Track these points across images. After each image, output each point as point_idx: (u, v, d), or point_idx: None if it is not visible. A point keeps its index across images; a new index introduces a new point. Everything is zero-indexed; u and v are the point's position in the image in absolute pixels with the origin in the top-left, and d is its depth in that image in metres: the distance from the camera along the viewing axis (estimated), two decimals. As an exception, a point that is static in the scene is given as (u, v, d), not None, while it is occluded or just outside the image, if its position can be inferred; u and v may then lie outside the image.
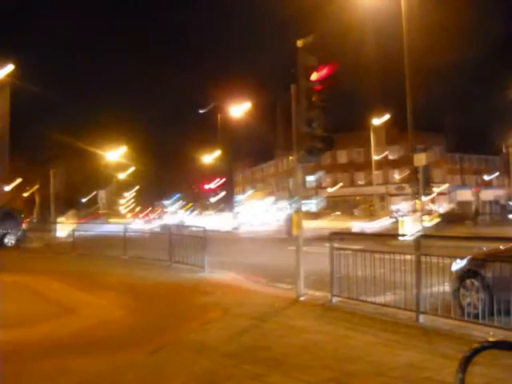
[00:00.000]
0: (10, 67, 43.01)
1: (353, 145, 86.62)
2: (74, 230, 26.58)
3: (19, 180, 67.64)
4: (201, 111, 67.66)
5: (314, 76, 11.79)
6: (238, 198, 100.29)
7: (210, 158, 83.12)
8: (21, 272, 17.11)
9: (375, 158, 79.23)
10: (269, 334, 8.95)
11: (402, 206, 73.18)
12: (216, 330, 9.37)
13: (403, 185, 75.23)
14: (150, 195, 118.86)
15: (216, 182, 74.64)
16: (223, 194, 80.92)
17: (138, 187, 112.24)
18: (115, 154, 76.78)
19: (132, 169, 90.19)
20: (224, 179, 73.70)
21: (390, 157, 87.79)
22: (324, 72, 11.79)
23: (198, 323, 9.86)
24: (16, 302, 12.03)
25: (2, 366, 7.19)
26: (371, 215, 66.58)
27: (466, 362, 3.57)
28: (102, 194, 55.70)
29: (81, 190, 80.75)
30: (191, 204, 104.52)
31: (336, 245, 11.62)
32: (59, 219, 38.08)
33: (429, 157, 31.85)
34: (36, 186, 74.37)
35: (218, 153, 71.85)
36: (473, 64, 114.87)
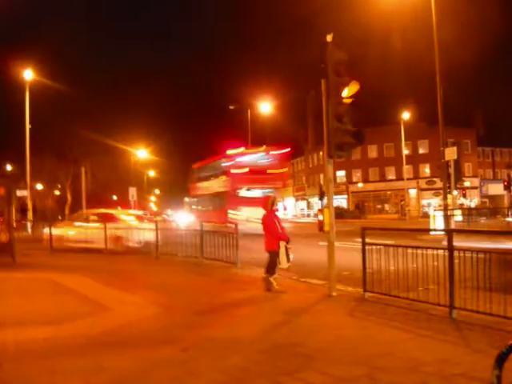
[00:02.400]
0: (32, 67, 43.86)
1: (383, 139, 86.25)
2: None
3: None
4: (230, 106, 67.70)
5: (345, 93, 11.78)
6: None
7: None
8: (53, 269, 17.30)
9: (405, 152, 78.89)
10: (301, 330, 8.95)
11: (432, 200, 72.77)
12: (248, 326, 9.39)
13: (434, 179, 74.65)
14: (179, 192, 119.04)
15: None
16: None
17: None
18: (145, 152, 77.28)
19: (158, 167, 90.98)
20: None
21: (421, 151, 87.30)
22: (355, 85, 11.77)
23: (231, 319, 9.89)
24: (49, 300, 12.18)
25: (37, 363, 7.30)
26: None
27: (502, 359, 3.54)
28: (132, 192, 55.75)
29: (111, 187, 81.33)
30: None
31: (368, 240, 11.58)
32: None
33: (460, 151, 31.52)
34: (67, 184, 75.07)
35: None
36: (504, 56, 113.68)
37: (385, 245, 11.25)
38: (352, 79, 11.86)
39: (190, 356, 7.56)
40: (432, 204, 74.38)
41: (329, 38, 11.82)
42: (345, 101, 11.87)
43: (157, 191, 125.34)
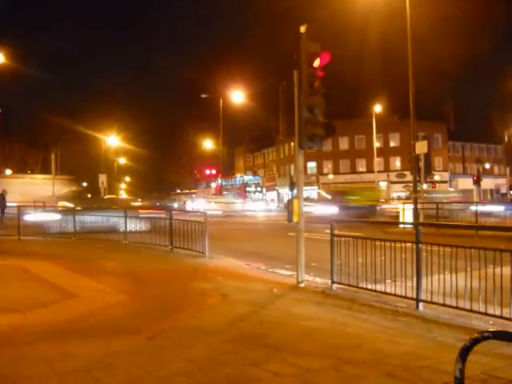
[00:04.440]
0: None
1: (354, 131, 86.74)
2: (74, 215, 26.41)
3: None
4: (202, 95, 67.62)
5: (317, 62, 11.76)
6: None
7: (211, 143, 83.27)
8: (21, 256, 17.14)
9: (377, 144, 79.34)
10: (268, 321, 8.94)
11: (402, 193, 73.20)
12: (215, 315, 9.36)
13: (404, 172, 75.23)
14: (150, 180, 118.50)
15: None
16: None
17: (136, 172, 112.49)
18: (115, 139, 76.81)
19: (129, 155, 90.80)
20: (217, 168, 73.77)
21: (392, 144, 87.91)
22: (326, 58, 11.77)
23: (197, 309, 9.86)
24: (16, 287, 12.06)
25: (2, 350, 7.23)
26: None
27: (465, 352, 3.57)
28: (102, 179, 55.52)
29: (81, 174, 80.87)
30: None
31: (336, 231, 11.62)
32: (60, 203, 37.88)
33: (430, 145, 31.72)
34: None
35: (219, 138, 71.72)
36: (475, 52, 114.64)
37: (353, 237, 11.31)
38: (324, 70, 11.87)
39: (156, 345, 7.53)
40: (402, 197, 74.86)
41: (302, 28, 11.80)
42: (316, 73, 11.84)
43: (127, 179, 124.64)
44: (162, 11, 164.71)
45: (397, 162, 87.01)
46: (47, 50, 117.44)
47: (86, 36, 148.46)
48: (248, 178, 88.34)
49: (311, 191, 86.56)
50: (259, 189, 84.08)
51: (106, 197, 48.25)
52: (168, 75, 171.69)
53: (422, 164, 30.10)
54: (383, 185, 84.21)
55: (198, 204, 58.17)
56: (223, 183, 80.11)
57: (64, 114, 66.19)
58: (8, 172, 70.18)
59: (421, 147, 30.17)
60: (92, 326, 8.66)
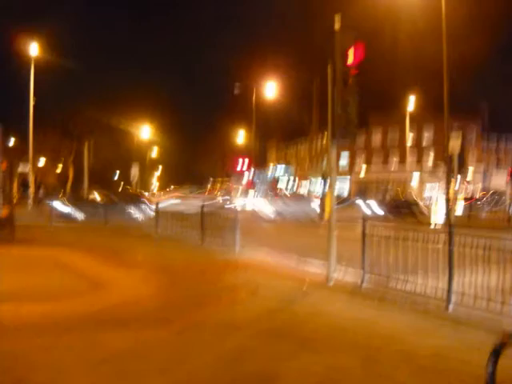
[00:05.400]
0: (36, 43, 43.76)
1: (388, 124, 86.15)
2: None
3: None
4: (236, 87, 67.49)
5: (350, 60, 11.69)
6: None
7: (243, 136, 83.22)
8: (54, 246, 17.34)
9: (410, 138, 78.73)
10: (297, 318, 8.95)
11: (436, 184, 72.48)
12: (243, 311, 9.40)
13: (438, 162, 74.42)
14: (182, 171, 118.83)
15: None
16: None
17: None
18: (147, 132, 77.09)
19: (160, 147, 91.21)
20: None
21: (425, 137, 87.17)
22: (360, 55, 11.70)
23: (225, 304, 9.91)
24: (47, 277, 12.21)
25: (33, 339, 7.35)
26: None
27: (496, 354, 3.54)
28: (135, 170, 55.83)
29: (114, 164, 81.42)
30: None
31: (367, 230, 11.55)
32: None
33: (464, 140, 31.33)
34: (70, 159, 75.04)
35: (251, 131, 71.62)
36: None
37: (385, 236, 11.21)
38: (357, 67, 11.81)
39: (185, 338, 7.61)
40: (435, 188, 73.99)
41: (337, 24, 11.73)
42: (351, 69, 11.78)
43: (160, 169, 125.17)
44: (196, 5, 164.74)
45: (430, 156, 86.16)
46: (82, 41, 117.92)
47: (121, 29, 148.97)
48: (280, 167, 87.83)
49: (343, 186, 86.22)
50: (291, 180, 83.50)
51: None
52: (201, 68, 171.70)
53: (455, 163, 29.67)
54: (416, 175, 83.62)
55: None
56: (255, 179, 79.87)
57: (97, 106, 66.53)
58: (41, 163, 70.85)
59: (454, 146, 29.77)
60: (122, 318, 8.76)
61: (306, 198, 44.87)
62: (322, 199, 34.99)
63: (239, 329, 8.13)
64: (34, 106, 44.65)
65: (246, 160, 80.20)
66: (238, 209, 19.12)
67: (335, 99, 11.75)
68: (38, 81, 45.08)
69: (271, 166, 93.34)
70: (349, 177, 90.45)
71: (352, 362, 6.64)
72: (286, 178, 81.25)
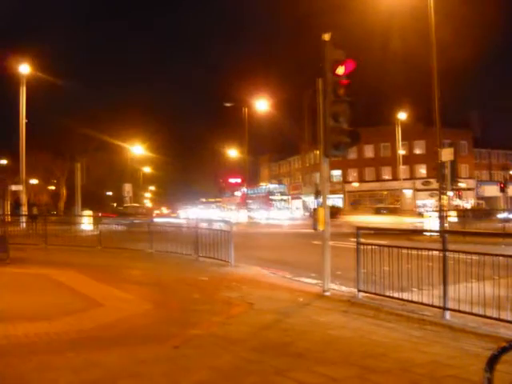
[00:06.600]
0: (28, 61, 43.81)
1: (379, 139, 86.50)
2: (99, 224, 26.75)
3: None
4: (226, 104, 67.75)
5: (341, 70, 11.75)
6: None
7: (235, 152, 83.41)
8: (47, 265, 17.26)
9: (401, 152, 79.07)
10: (293, 330, 8.92)
11: (428, 201, 72.86)
12: (240, 324, 9.36)
13: (430, 180, 74.76)
14: (175, 189, 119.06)
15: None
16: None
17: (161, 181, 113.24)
18: (140, 148, 77.23)
19: (153, 164, 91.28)
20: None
21: (417, 151, 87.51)
22: (350, 66, 11.76)
23: (222, 318, 9.86)
24: (42, 295, 12.14)
25: (28, 358, 7.27)
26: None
27: (493, 361, 3.52)
28: (127, 188, 55.93)
29: (106, 183, 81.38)
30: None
31: (362, 239, 11.56)
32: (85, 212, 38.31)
33: (456, 152, 31.50)
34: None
35: (243, 147, 71.83)
36: (501, 58, 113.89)
37: (379, 245, 11.23)
38: (348, 78, 11.87)
39: (182, 353, 7.54)
40: (427, 205, 74.45)
41: (327, 36, 11.79)
42: (341, 81, 11.84)
43: (152, 188, 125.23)
44: (186, 22, 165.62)
45: (422, 170, 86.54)
46: (73, 60, 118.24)
47: (111, 47, 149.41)
48: (273, 186, 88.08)
49: (337, 199, 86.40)
50: (284, 197, 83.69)
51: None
52: (193, 85, 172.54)
53: (447, 172, 29.84)
54: (408, 192, 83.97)
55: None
56: (248, 192, 80.00)
57: (89, 124, 66.59)
58: (34, 182, 70.77)
59: (446, 154, 29.95)
60: (118, 335, 8.69)
61: None
62: (316, 210, 35.25)
63: (235, 343, 8.08)
64: (27, 125, 44.62)
65: (238, 179, 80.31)
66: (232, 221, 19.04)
67: (326, 111, 11.78)
68: (30, 99, 45.08)
69: (264, 185, 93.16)
70: (341, 195, 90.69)
71: (349, 372, 6.61)
72: (278, 196, 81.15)
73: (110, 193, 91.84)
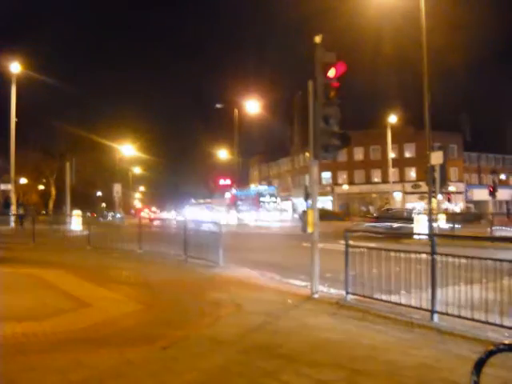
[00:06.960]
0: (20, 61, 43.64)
1: (369, 142, 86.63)
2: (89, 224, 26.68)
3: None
4: (217, 106, 67.78)
5: (332, 73, 11.76)
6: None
7: (225, 153, 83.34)
8: (35, 264, 17.18)
9: (391, 155, 79.25)
10: (282, 332, 8.92)
11: (417, 204, 72.96)
12: (229, 326, 9.34)
13: (419, 183, 74.98)
14: (165, 189, 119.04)
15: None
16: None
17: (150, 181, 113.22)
18: (130, 148, 77.13)
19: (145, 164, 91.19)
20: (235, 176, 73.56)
21: (407, 154, 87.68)
22: (341, 68, 11.77)
23: (211, 319, 9.84)
24: (30, 295, 12.08)
25: (16, 359, 7.24)
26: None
27: (480, 364, 3.54)
28: (117, 188, 55.72)
29: (96, 183, 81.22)
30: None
31: (351, 242, 11.57)
32: (74, 212, 38.16)
33: (446, 155, 31.57)
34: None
35: (234, 148, 71.78)
36: (491, 62, 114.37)
37: (368, 247, 11.25)
38: (339, 81, 11.88)
39: (170, 354, 7.53)
40: (417, 208, 74.66)
41: (317, 39, 11.80)
42: (332, 83, 11.85)
43: (142, 188, 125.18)
44: (178, 23, 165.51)
45: (412, 173, 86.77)
46: (63, 60, 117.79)
47: (101, 47, 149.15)
48: (263, 188, 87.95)
49: (327, 202, 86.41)
50: (274, 199, 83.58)
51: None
52: (183, 86, 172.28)
53: (437, 175, 29.90)
54: (398, 195, 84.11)
55: None
56: (238, 193, 79.87)
57: (79, 124, 66.54)
58: (23, 181, 70.50)
59: (436, 158, 30.00)
60: (106, 336, 8.66)
61: None
62: (305, 212, 35.31)
63: (223, 344, 8.07)
64: (16, 124, 44.42)
65: (228, 180, 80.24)
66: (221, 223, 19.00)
67: (317, 113, 11.79)
68: (19, 98, 44.90)
69: (253, 186, 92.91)
70: (330, 197, 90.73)
71: (338, 374, 6.61)
72: (268, 198, 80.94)
73: (99, 193, 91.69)
